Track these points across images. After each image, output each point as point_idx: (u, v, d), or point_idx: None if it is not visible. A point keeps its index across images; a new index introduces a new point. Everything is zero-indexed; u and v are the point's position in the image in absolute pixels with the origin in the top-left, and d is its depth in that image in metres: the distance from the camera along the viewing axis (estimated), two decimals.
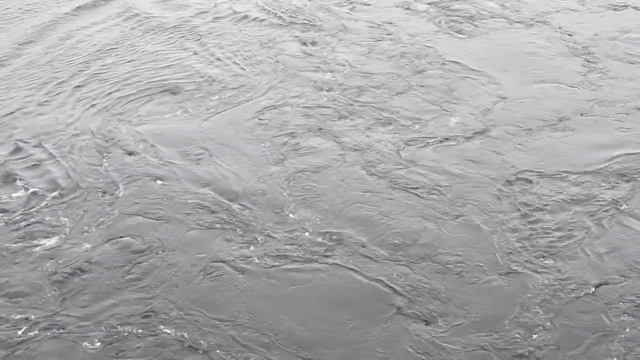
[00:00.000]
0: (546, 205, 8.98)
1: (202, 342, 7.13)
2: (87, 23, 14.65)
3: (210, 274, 7.96)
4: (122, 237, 8.50)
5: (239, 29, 14.39)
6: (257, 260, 8.12)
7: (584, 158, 9.97)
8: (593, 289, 7.73)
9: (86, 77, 12.35)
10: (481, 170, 9.65)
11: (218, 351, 7.04)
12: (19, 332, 7.26)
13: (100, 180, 9.54)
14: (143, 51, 13.40)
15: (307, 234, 8.51)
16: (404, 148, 10.15)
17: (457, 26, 14.36)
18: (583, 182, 9.42)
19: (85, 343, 7.14)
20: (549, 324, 7.30)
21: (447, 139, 10.37)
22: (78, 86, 12.05)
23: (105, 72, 12.56)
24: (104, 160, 9.98)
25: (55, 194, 9.27)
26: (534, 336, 7.17)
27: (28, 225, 8.72)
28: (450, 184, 9.39)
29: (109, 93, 11.82)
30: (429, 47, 13.36)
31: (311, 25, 14.49)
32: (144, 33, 14.20)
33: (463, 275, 7.92)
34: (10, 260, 8.19)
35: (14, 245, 8.42)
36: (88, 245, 8.37)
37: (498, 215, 8.81)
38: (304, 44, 13.63)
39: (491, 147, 10.19)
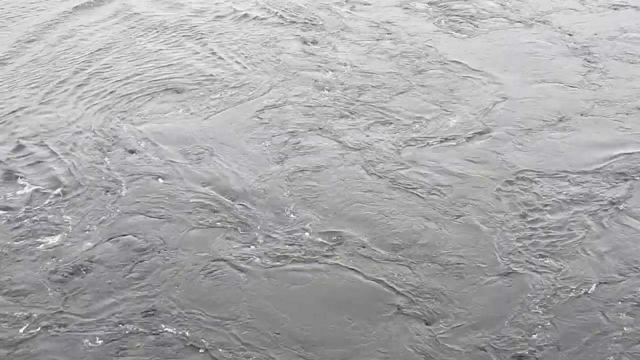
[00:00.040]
0: (546, 205, 9.00)
1: (204, 341, 7.15)
2: (88, 22, 14.65)
3: (211, 273, 7.98)
4: (124, 235, 8.51)
5: (240, 28, 14.40)
6: (258, 260, 8.14)
7: (584, 158, 9.99)
8: (593, 289, 7.75)
9: (88, 76, 12.36)
10: (481, 170, 9.67)
11: (219, 350, 7.06)
12: (21, 330, 7.28)
13: (102, 178, 9.55)
14: (144, 50, 13.41)
15: (307, 233, 8.52)
16: (404, 148, 10.16)
17: (458, 26, 14.37)
18: (583, 182, 9.44)
19: (87, 341, 7.15)
20: (549, 323, 7.32)
21: (447, 138, 10.38)
22: (80, 85, 12.06)
23: (106, 71, 12.57)
24: (106, 158, 10.00)
25: (57, 192, 9.29)
26: (534, 336, 7.19)
27: (30, 223, 8.73)
28: (451, 184, 9.40)
29: (111, 91, 11.83)
30: (430, 46, 13.37)
31: (312, 24, 14.50)
32: (145, 32, 14.20)
33: (463, 275, 7.94)
34: (13, 258, 8.20)
35: (16, 243, 8.44)
36: (90, 244, 8.38)
37: (498, 215, 8.82)
38: (305, 43, 13.64)
39: (491, 147, 10.21)
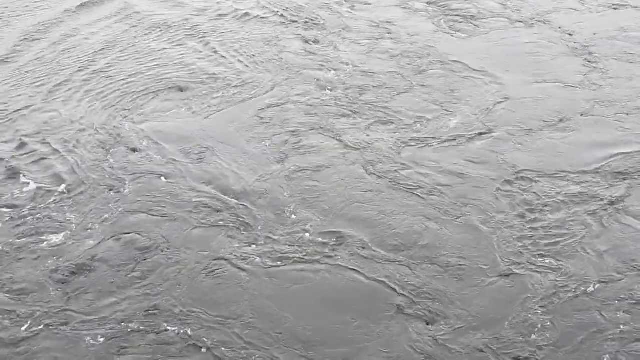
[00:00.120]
0: (546, 205, 9.02)
1: (206, 340, 7.17)
2: (91, 20, 14.67)
3: (213, 272, 8.00)
4: (126, 233, 8.54)
5: (242, 27, 14.42)
6: (259, 260, 8.17)
7: (584, 158, 10.01)
8: (592, 288, 7.78)
9: (91, 74, 12.38)
10: (482, 170, 9.69)
11: (221, 349, 7.08)
12: (23, 328, 7.30)
13: (106, 177, 9.58)
14: (146, 48, 13.43)
15: (308, 234, 8.54)
16: (405, 148, 10.18)
17: (458, 26, 14.38)
18: (583, 182, 9.46)
19: (89, 339, 7.18)
20: (548, 323, 7.35)
21: (448, 139, 10.40)
22: (82, 83, 12.08)
23: (109, 69, 12.59)
24: (109, 156, 10.02)
25: (60, 190, 9.32)
26: (534, 336, 7.22)
27: (33, 221, 8.76)
28: (451, 184, 9.42)
29: (114, 90, 11.85)
30: (430, 46, 13.38)
31: (313, 23, 14.51)
32: (147, 31, 14.21)
33: (464, 276, 7.96)
34: (15, 256, 8.23)
35: (19, 241, 8.46)
36: (92, 242, 8.41)
37: (498, 215, 8.85)
38: (307, 42, 13.66)
39: (492, 147, 10.22)
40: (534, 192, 9.26)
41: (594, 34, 13.89)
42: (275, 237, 8.49)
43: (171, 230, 8.63)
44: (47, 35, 13.93)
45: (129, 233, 8.56)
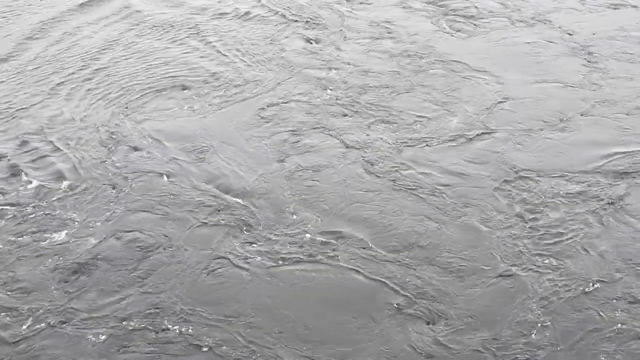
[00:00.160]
0: (546, 204, 9.04)
1: (207, 339, 7.19)
2: (93, 19, 14.67)
3: (214, 271, 8.02)
4: (128, 232, 8.55)
5: (243, 26, 14.42)
6: (261, 259, 8.18)
7: (584, 158, 10.02)
8: (592, 288, 7.80)
9: (92, 73, 12.39)
10: (482, 170, 9.71)
11: (223, 348, 7.10)
12: (24, 327, 7.32)
13: (108, 175, 9.59)
14: (148, 47, 13.44)
15: (309, 233, 8.56)
16: (405, 148, 10.20)
17: (458, 25, 14.39)
18: (583, 182, 9.48)
19: (91, 337, 7.19)
20: (548, 323, 7.37)
21: (448, 138, 10.42)
22: (84, 81, 12.09)
23: (111, 68, 12.60)
24: (111, 155, 10.04)
25: (62, 188, 9.33)
26: (534, 336, 7.25)
27: (35, 219, 8.78)
28: (451, 184, 9.45)
29: (116, 88, 11.86)
30: (431, 46, 13.40)
31: (314, 22, 14.52)
32: (149, 29, 14.22)
33: (464, 275, 7.99)
34: (17, 255, 8.24)
35: (21, 239, 8.48)
36: (95, 241, 8.43)
37: (498, 215, 8.87)
38: (308, 41, 13.68)
39: (492, 147, 10.24)
40: (534, 192, 9.28)
41: (593, 34, 13.90)
42: (276, 237, 8.51)
43: (173, 228, 8.65)
44: (49, 34, 13.93)
45: (130, 231, 8.58)
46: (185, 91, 11.81)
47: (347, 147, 10.23)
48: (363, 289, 7.82)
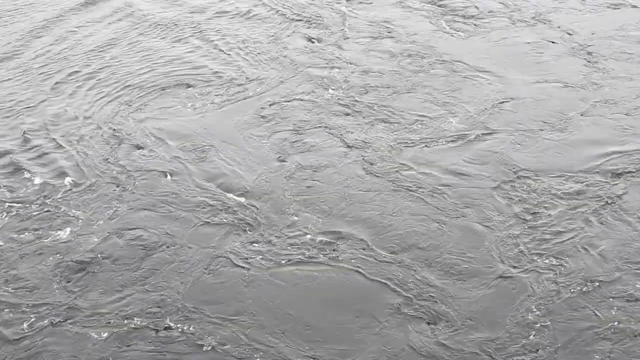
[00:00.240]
0: (546, 204, 9.06)
1: (209, 338, 7.23)
2: (95, 17, 14.70)
3: (216, 270, 8.05)
4: (131, 231, 8.59)
5: (245, 25, 14.43)
6: (261, 259, 8.21)
7: (584, 158, 10.02)
8: (591, 287, 7.82)
9: (95, 71, 12.44)
10: (482, 171, 9.72)
11: (225, 347, 7.14)
12: (27, 324, 7.36)
13: (111, 173, 9.63)
14: (150, 46, 13.46)
15: (309, 233, 8.59)
16: (405, 148, 10.21)
17: (458, 25, 14.38)
18: (582, 182, 9.49)
19: (93, 335, 7.23)
20: (548, 323, 7.40)
21: (448, 139, 10.43)
22: (87, 80, 12.14)
23: (114, 66, 12.64)
24: (114, 153, 10.08)
25: (66, 186, 9.37)
26: (533, 337, 7.27)
27: (39, 217, 8.81)
28: (452, 184, 9.46)
29: (119, 87, 11.91)
30: (431, 46, 13.40)
31: (315, 22, 14.52)
32: (151, 28, 14.24)
33: (464, 276, 8.01)
34: (20, 252, 8.28)
35: (23, 236, 8.52)
36: (97, 239, 8.46)
37: (498, 215, 8.88)
38: (309, 40, 13.69)
39: (492, 147, 10.25)
40: (534, 192, 9.30)
41: (593, 34, 13.90)
42: (277, 237, 8.53)
43: (175, 227, 8.68)
44: (51, 32, 13.97)
45: (133, 229, 8.61)
46: (188, 89, 11.82)
47: (348, 146, 10.25)
48: (364, 289, 7.85)
